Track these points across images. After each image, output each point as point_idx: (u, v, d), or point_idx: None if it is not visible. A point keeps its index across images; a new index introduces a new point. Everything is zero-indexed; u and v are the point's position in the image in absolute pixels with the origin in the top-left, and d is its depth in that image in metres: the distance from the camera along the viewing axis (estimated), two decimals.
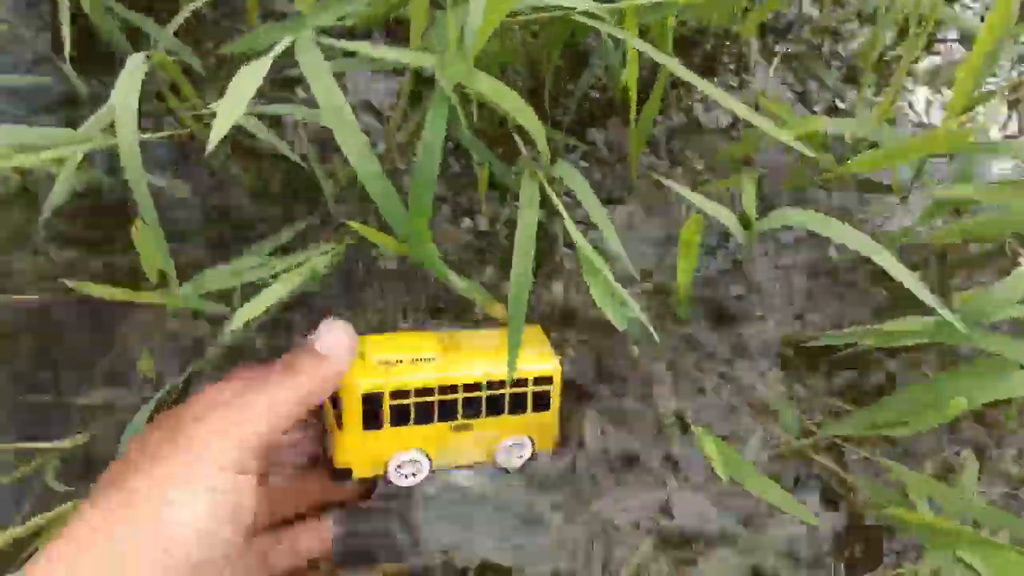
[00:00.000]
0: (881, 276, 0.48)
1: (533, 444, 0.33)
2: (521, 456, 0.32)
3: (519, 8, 0.35)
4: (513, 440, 0.32)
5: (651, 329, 0.33)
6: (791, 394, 0.45)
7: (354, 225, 0.33)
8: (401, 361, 0.29)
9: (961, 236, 0.42)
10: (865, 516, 0.43)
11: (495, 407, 0.31)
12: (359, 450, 0.29)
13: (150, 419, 0.39)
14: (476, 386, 0.30)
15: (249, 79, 0.29)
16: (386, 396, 0.29)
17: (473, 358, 0.31)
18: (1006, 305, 0.35)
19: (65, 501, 0.37)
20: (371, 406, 0.29)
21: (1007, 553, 0.31)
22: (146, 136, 0.36)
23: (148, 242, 0.33)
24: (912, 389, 0.36)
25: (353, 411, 0.29)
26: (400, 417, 0.29)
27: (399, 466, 0.30)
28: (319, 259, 0.33)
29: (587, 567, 0.41)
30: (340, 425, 0.29)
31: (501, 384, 0.30)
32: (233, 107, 0.28)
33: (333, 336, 0.28)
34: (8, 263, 0.45)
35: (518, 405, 0.31)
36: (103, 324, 0.44)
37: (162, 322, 0.44)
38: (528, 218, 0.35)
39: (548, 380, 0.31)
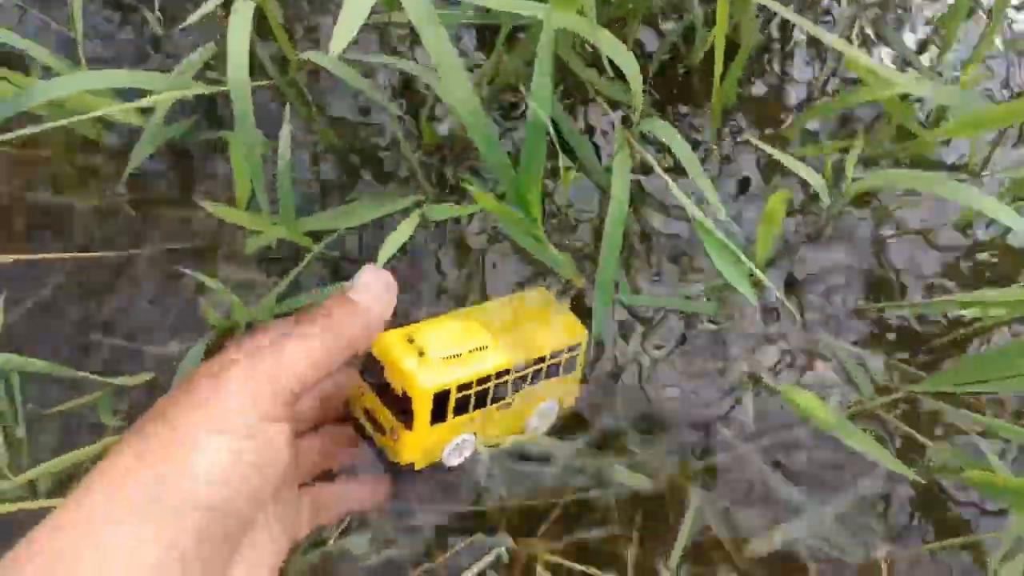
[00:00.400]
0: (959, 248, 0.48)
1: (559, 406, 0.34)
2: (549, 419, 0.33)
3: None
4: (543, 406, 0.33)
5: (786, 303, 0.33)
6: (864, 357, 0.45)
7: (471, 185, 0.33)
8: (460, 355, 0.29)
9: None
10: (936, 480, 0.43)
11: (535, 379, 0.31)
12: (423, 445, 0.29)
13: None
14: (522, 369, 0.31)
15: None
16: (453, 391, 0.29)
17: (522, 338, 0.31)
18: None
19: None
20: (439, 404, 0.29)
21: None
22: (219, 88, 0.36)
23: (242, 166, 0.34)
24: (1005, 349, 0.36)
25: (423, 411, 0.28)
26: (461, 407, 0.29)
27: (451, 449, 0.30)
28: (430, 209, 0.34)
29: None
30: (409, 426, 0.28)
31: (542, 359, 0.31)
32: (353, 18, 0.28)
33: (370, 284, 0.27)
34: (82, 214, 0.46)
35: (553, 373, 0.32)
36: (173, 277, 0.45)
37: (228, 275, 0.45)
38: (621, 183, 0.35)
39: (578, 346, 0.32)
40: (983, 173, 0.47)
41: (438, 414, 0.29)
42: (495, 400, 0.30)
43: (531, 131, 0.31)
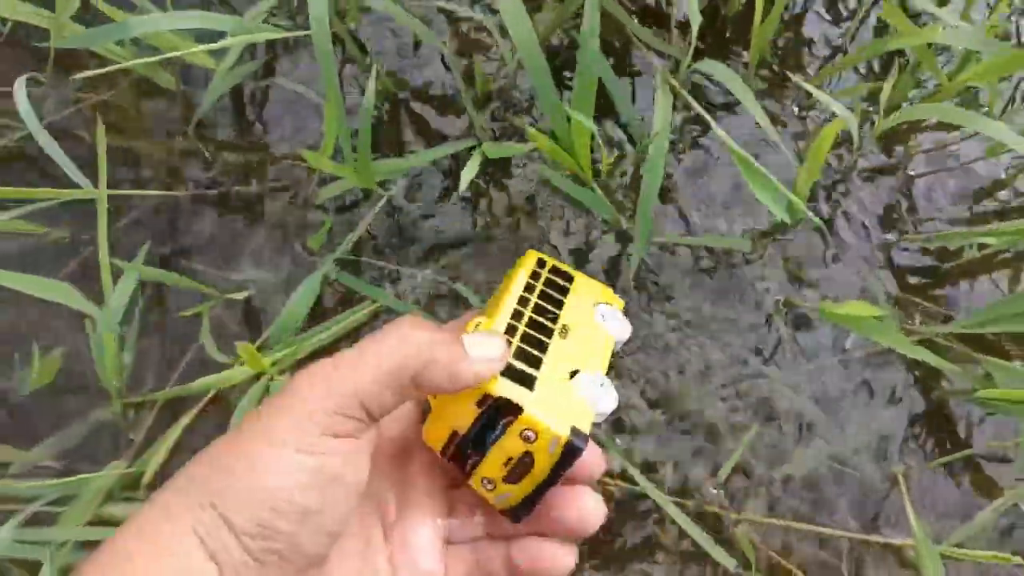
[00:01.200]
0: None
1: (615, 308, 0.29)
2: (623, 323, 0.29)
3: None
4: (601, 311, 0.29)
5: (822, 225, 0.35)
6: (891, 295, 0.48)
7: (528, 126, 0.36)
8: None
9: None
10: (952, 403, 0.46)
11: (553, 299, 0.28)
12: (552, 414, 0.24)
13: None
14: (527, 299, 0.27)
15: None
16: (511, 349, 0.24)
17: (503, 292, 0.28)
18: None
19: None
20: (509, 372, 0.24)
21: None
22: (291, 34, 0.38)
23: (332, 120, 0.37)
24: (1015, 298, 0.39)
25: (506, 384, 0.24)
26: (530, 359, 0.25)
27: (592, 397, 0.25)
28: (488, 147, 0.36)
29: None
30: (517, 412, 0.24)
31: (536, 277, 0.28)
32: None
33: (487, 346, 0.24)
34: (159, 155, 0.48)
35: (558, 288, 0.29)
36: (237, 219, 0.48)
37: (290, 217, 0.48)
38: (663, 116, 0.38)
39: (544, 263, 0.29)
40: (1004, 116, 0.50)
41: (520, 379, 0.24)
42: (547, 334, 0.26)
43: (584, 53, 0.33)
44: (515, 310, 0.26)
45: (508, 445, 0.24)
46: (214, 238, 0.47)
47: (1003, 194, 0.51)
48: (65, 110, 0.48)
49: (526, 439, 0.23)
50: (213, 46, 0.38)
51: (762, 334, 0.47)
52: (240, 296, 0.44)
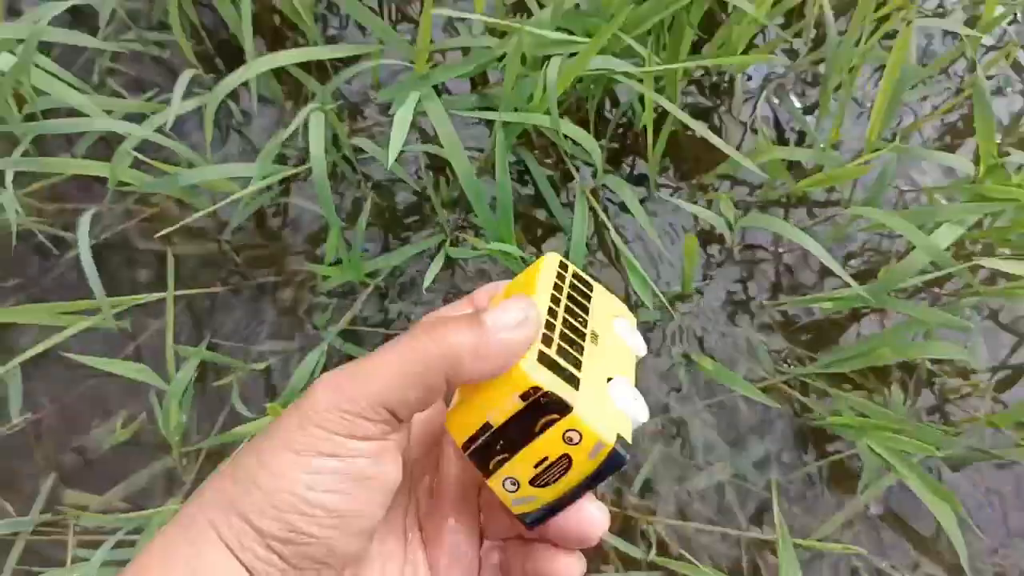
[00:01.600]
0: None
1: (632, 323, 0.29)
2: (634, 332, 0.29)
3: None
4: (620, 325, 0.28)
5: (671, 309, 0.50)
6: (769, 346, 0.63)
7: (472, 238, 0.50)
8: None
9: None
10: (813, 427, 0.61)
11: (580, 303, 0.27)
12: (596, 411, 0.23)
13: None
14: (558, 299, 0.27)
15: (404, 115, 0.48)
16: (553, 347, 0.24)
17: (528, 282, 0.27)
18: (904, 277, 0.53)
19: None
20: (545, 360, 0.23)
21: (895, 438, 0.49)
22: (298, 169, 0.53)
23: (333, 238, 0.51)
24: (855, 345, 0.54)
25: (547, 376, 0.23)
26: (571, 359, 0.24)
27: (629, 405, 0.24)
28: (450, 250, 0.51)
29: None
30: (565, 409, 0.23)
31: (561, 279, 0.28)
32: (400, 133, 0.46)
33: (508, 313, 0.22)
34: (198, 262, 0.63)
35: (582, 293, 0.28)
36: (259, 305, 0.62)
37: (301, 301, 0.62)
38: (580, 224, 0.52)
39: (566, 267, 0.29)
40: (850, 206, 0.66)
41: (559, 369, 0.23)
42: (580, 334, 0.26)
43: (501, 190, 0.48)
44: (549, 307, 0.25)
45: (546, 445, 0.23)
46: (243, 320, 0.60)
47: (853, 262, 0.65)
48: (123, 223, 0.63)
49: (568, 441, 0.22)
50: (245, 192, 0.53)
51: (671, 378, 0.61)
52: (262, 366, 0.58)
